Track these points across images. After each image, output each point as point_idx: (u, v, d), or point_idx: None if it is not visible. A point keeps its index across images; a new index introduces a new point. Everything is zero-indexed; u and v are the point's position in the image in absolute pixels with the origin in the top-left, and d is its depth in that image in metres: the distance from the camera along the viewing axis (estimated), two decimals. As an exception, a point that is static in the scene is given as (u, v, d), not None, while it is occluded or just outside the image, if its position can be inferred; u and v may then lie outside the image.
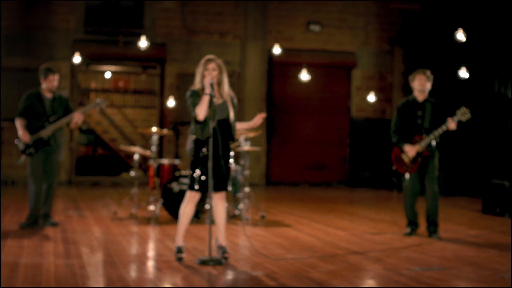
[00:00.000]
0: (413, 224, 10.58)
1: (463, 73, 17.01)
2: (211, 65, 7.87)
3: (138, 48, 18.09)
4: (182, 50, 20.52)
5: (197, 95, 7.80)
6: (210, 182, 7.65)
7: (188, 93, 7.89)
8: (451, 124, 10.14)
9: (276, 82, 21.19)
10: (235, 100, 8.06)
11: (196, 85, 7.90)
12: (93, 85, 26.66)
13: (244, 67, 20.57)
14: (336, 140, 21.64)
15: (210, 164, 7.61)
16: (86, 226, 10.95)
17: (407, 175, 10.45)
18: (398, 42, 21.71)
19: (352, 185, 21.19)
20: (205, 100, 7.64)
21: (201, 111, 7.65)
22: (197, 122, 7.80)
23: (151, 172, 12.13)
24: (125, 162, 25.31)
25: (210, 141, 7.63)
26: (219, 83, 7.88)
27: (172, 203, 11.65)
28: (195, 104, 7.74)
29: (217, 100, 7.83)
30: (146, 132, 12.17)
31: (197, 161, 7.86)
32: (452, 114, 10.28)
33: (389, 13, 21.79)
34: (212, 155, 7.67)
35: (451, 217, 13.03)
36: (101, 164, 24.83)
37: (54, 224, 10.73)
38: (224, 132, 7.83)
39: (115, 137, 26.91)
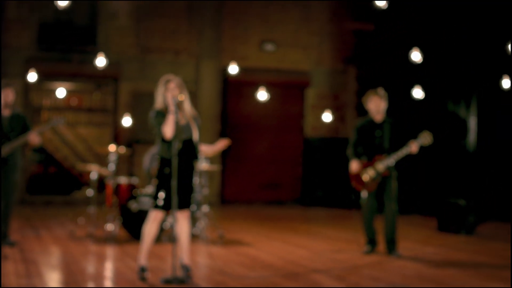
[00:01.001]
0: (372, 242, 10.65)
1: (417, 93, 17.22)
2: (171, 85, 7.87)
3: (91, 66, 17.98)
4: (136, 68, 20.46)
5: (162, 115, 7.79)
6: (174, 201, 7.62)
7: (152, 114, 7.86)
8: (413, 148, 10.24)
9: (230, 100, 21.22)
10: (199, 120, 8.05)
11: (158, 105, 7.88)
12: (45, 102, 26.40)
13: (199, 85, 20.54)
14: (291, 159, 21.71)
15: (174, 183, 7.59)
16: (44, 246, 10.83)
17: (364, 193, 10.52)
18: (351, 62, 21.89)
19: (305, 204, 21.25)
20: (171, 119, 7.62)
21: (169, 130, 7.64)
22: (163, 141, 7.79)
23: (109, 191, 12.04)
24: (77, 180, 25.09)
25: (175, 160, 7.61)
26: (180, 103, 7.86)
27: (131, 223, 11.58)
28: (160, 123, 7.72)
29: (181, 120, 7.80)
30: (103, 151, 12.09)
31: (162, 180, 7.83)
32: (410, 134, 10.38)
33: (343, 32, 21.97)
34: (176, 174, 7.64)
35: (408, 235, 13.13)
36: (53, 183, 24.59)
37: (11, 244, 10.58)
38: (188, 152, 7.82)
39: (67, 155, 26.65)
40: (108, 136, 22.66)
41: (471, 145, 17.27)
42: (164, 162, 7.81)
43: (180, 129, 7.73)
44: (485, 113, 17.42)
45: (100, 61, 17.20)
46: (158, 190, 7.86)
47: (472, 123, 17.36)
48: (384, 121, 10.54)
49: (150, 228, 7.96)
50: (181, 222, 7.99)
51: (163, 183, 7.82)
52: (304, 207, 20.60)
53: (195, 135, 7.90)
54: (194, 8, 20.76)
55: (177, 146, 7.64)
